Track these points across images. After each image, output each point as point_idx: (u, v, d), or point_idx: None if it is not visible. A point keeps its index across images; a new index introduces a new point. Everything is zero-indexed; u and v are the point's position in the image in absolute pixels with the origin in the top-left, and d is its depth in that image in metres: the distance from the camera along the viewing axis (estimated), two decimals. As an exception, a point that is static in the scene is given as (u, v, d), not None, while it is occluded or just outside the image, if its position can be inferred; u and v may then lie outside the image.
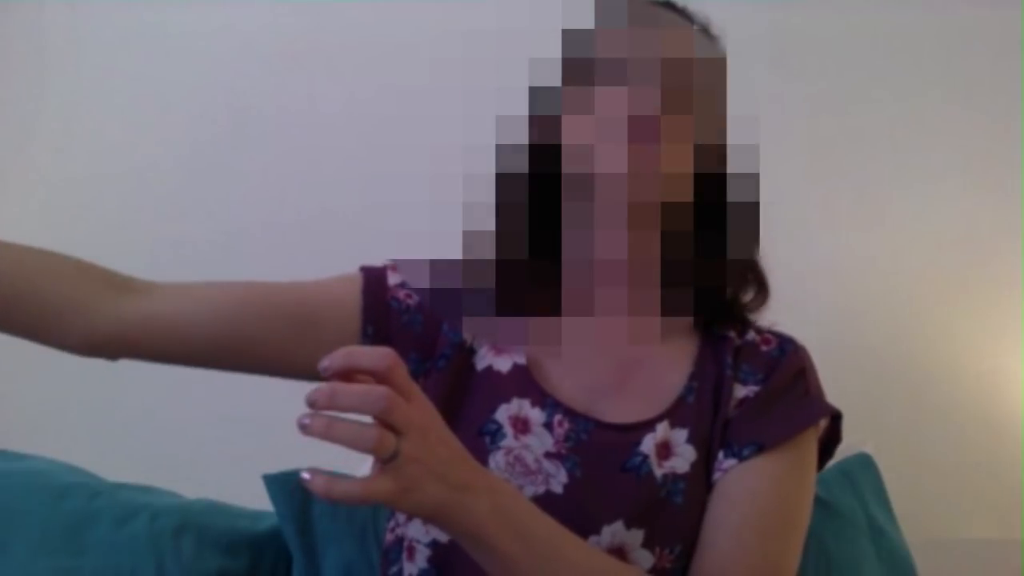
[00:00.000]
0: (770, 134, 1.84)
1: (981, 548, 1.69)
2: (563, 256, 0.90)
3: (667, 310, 0.92)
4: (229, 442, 1.78)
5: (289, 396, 1.92)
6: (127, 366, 1.99)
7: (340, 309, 0.91)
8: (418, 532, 0.89)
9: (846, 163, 1.85)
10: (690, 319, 0.95)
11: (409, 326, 0.92)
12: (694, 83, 0.84)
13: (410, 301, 0.93)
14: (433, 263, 0.94)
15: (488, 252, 0.90)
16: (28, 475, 1.27)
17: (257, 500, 1.32)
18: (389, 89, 1.84)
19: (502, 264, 0.90)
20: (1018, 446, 1.75)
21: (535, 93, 0.88)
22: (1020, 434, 1.76)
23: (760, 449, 0.87)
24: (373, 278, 0.93)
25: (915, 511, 1.49)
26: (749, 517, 0.85)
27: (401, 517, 0.93)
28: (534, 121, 0.87)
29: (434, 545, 0.88)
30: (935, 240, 1.83)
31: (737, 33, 1.82)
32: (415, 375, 0.86)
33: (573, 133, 0.84)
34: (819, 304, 1.76)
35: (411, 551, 0.90)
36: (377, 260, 0.96)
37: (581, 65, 0.84)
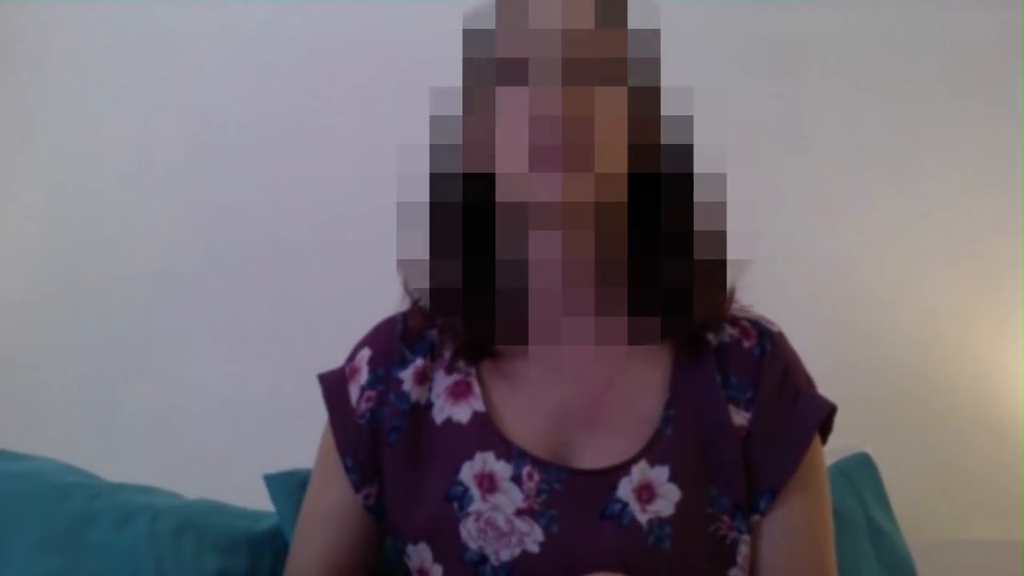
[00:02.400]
0: (770, 134, 1.85)
1: (981, 549, 1.69)
2: (529, 257, 0.88)
3: (634, 310, 0.89)
4: (229, 442, 1.78)
5: (289, 397, 1.92)
6: (126, 366, 1.99)
7: (338, 479, 0.94)
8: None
9: (846, 163, 1.85)
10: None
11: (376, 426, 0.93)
12: (595, 78, 0.82)
13: (370, 404, 0.92)
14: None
15: (456, 253, 0.89)
16: (28, 475, 1.26)
17: (257, 500, 1.31)
18: (390, 90, 1.84)
19: (469, 264, 0.88)
20: (1018, 447, 1.75)
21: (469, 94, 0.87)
22: (1020, 435, 1.76)
23: (775, 493, 0.87)
24: (335, 405, 0.94)
25: (915, 512, 1.49)
26: (793, 556, 0.88)
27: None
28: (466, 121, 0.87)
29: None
30: (935, 240, 1.83)
31: (737, 33, 1.83)
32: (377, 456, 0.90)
33: (475, 133, 0.84)
34: (819, 304, 1.76)
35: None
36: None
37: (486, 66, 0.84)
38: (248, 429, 1.79)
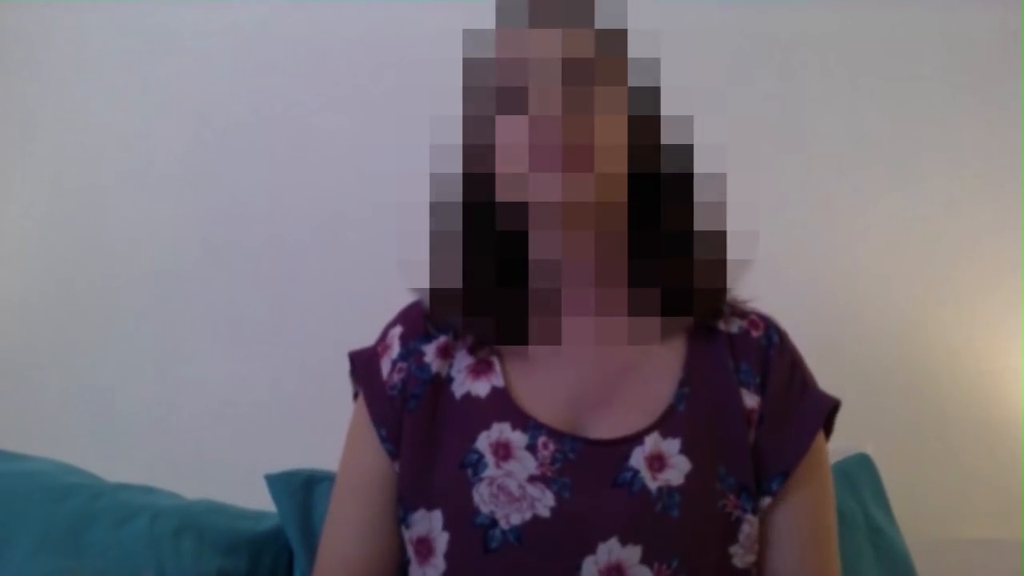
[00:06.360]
0: (770, 134, 1.85)
1: (981, 548, 1.69)
2: (529, 257, 0.89)
3: (634, 310, 0.91)
4: (229, 442, 1.78)
5: (289, 397, 1.92)
6: (126, 366, 1.99)
7: (372, 449, 0.94)
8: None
9: (845, 163, 1.85)
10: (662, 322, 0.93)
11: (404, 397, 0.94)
12: (595, 79, 0.83)
13: (401, 375, 0.94)
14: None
15: (456, 253, 0.90)
16: (28, 476, 1.27)
17: (257, 500, 1.31)
18: (390, 90, 1.84)
19: (470, 264, 0.90)
20: (1018, 446, 1.76)
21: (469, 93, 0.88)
22: (1020, 434, 1.76)
23: (786, 475, 0.89)
24: (366, 379, 0.95)
25: (914, 511, 1.49)
26: (801, 544, 0.90)
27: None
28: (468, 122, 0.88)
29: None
30: (935, 240, 1.83)
31: (737, 33, 1.83)
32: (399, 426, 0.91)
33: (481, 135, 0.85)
34: (819, 304, 1.76)
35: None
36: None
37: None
38: (248, 429, 1.79)
